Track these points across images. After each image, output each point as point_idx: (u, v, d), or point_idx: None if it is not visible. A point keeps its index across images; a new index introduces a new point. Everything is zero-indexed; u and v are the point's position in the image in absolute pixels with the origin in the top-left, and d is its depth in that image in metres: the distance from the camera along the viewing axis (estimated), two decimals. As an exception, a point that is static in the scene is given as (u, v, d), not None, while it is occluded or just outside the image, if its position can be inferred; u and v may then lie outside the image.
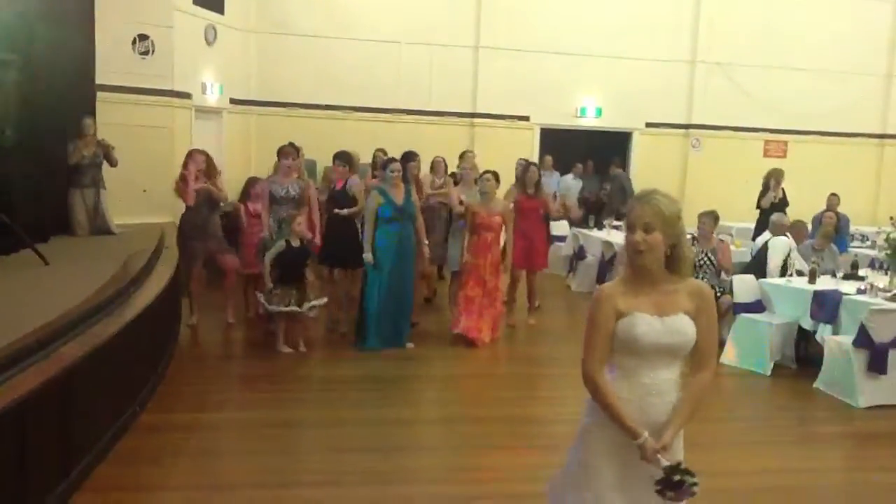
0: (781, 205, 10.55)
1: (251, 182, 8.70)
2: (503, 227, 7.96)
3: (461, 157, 10.00)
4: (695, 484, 2.58)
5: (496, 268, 7.87)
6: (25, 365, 4.02)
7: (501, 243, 8.06)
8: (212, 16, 11.76)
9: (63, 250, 7.70)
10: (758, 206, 11.08)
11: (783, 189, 10.95)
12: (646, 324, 2.67)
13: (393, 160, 7.77)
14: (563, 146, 14.20)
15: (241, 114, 12.80)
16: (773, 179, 10.97)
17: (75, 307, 5.13)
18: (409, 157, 8.73)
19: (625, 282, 2.77)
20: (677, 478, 2.57)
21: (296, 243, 7.34)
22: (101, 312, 5.30)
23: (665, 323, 2.69)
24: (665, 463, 2.60)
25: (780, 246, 8.38)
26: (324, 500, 4.42)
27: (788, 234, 8.57)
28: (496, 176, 8.15)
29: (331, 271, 8.18)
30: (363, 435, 5.46)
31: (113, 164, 8.97)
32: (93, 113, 9.29)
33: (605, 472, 2.74)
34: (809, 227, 10.30)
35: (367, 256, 7.42)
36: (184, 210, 8.04)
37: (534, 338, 8.48)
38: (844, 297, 7.01)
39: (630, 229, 2.69)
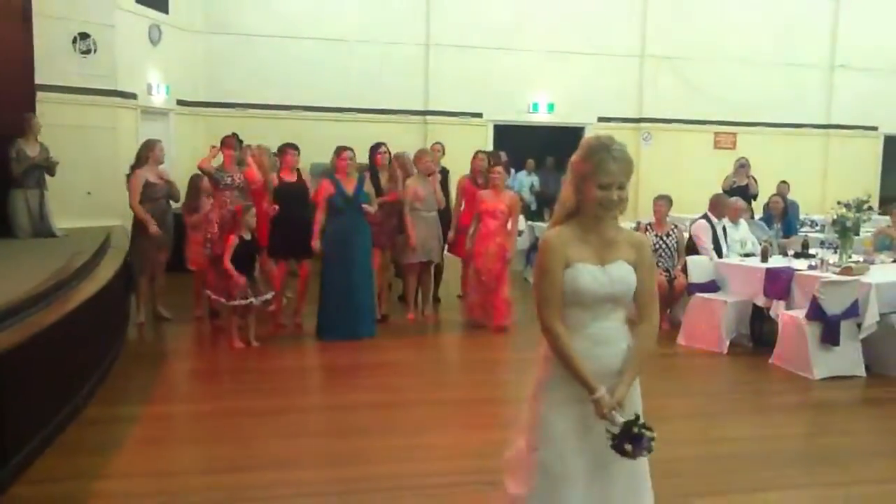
0: (742, 191, 10.54)
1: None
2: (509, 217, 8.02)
3: (430, 149, 9.70)
4: (653, 438, 2.55)
5: (500, 256, 7.94)
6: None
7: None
8: (156, 15, 11.53)
9: (3, 251, 7.48)
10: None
11: (754, 178, 10.94)
12: (588, 274, 2.66)
13: (345, 148, 7.65)
14: (517, 142, 14.17)
15: (188, 115, 12.55)
16: (737, 164, 11.02)
17: (15, 298, 4.95)
18: (374, 148, 8.62)
19: (570, 228, 2.73)
20: (636, 430, 2.53)
21: (246, 236, 7.19)
22: (41, 303, 5.13)
23: (607, 272, 2.69)
24: (621, 419, 2.56)
25: (699, 228, 8.38)
26: (277, 482, 4.28)
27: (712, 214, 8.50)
28: (506, 166, 8.47)
29: (277, 263, 7.88)
30: (316, 420, 5.35)
31: (52, 174, 8.73)
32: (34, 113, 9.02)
33: (561, 427, 2.69)
34: (760, 214, 10.42)
35: (315, 244, 7.42)
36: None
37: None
38: (796, 273, 7.08)
39: (606, 188, 2.64)
